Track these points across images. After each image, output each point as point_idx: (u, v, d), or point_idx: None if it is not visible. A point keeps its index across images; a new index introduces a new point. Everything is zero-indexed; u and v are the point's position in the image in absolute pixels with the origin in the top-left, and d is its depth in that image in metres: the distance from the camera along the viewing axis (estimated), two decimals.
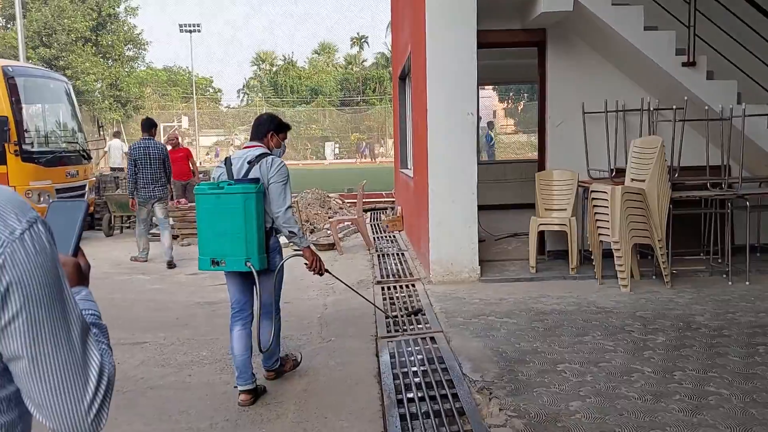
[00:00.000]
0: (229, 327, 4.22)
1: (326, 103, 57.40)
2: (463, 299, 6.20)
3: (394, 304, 6.21)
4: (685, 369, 4.18)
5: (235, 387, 4.10)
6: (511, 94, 47.56)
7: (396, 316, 5.72)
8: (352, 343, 5.13)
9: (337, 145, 51.76)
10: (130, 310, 6.59)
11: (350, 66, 65.42)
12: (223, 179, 4.13)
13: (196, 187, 4.18)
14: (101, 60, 41.95)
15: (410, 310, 5.88)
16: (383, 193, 15.81)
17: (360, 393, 4.12)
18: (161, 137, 47.27)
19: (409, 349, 4.93)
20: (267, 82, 64.21)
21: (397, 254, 8.83)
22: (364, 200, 11.34)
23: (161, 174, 9.00)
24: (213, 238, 4.00)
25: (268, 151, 4.22)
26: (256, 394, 4.11)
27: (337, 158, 49.12)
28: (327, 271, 4.37)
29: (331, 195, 13.89)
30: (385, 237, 10.61)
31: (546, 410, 3.61)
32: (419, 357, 4.72)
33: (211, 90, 67.19)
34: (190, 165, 12.83)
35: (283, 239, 4.28)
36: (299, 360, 4.62)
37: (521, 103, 48.14)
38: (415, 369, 4.47)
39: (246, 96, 68.77)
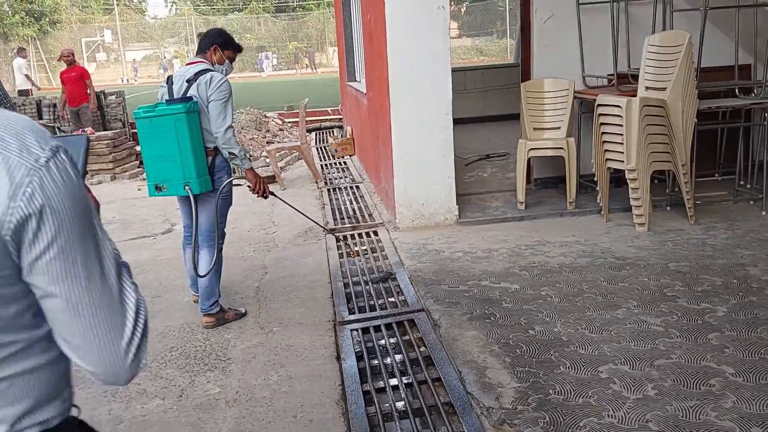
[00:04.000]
0: None
1: (260, 10, 53.74)
2: (442, 253, 4.82)
3: (354, 264, 4.79)
4: None
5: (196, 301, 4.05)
6: None
7: (338, 237, 5.26)
8: (301, 337, 3.71)
9: (275, 56, 48.63)
10: None
11: None
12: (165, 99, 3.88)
13: (134, 111, 3.85)
14: None
15: (377, 276, 4.47)
16: (329, 110, 14.03)
17: None
18: (84, 54, 43.73)
19: (383, 342, 3.54)
20: None
21: (351, 188, 7.33)
22: (307, 119, 9.70)
23: None
24: (153, 163, 3.83)
25: (210, 67, 3.91)
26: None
27: (275, 69, 46.27)
28: (272, 193, 4.10)
29: (268, 114, 12.09)
30: (335, 164, 9.05)
31: None
32: (398, 358, 3.34)
33: (135, 0, 62.29)
34: (89, 88, 10.77)
35: None
36: (244, 312, 4.11)
37: (464, 5, 45.94)
38: (395, 383, 3.10)
39: (174, 5, 64.09)
